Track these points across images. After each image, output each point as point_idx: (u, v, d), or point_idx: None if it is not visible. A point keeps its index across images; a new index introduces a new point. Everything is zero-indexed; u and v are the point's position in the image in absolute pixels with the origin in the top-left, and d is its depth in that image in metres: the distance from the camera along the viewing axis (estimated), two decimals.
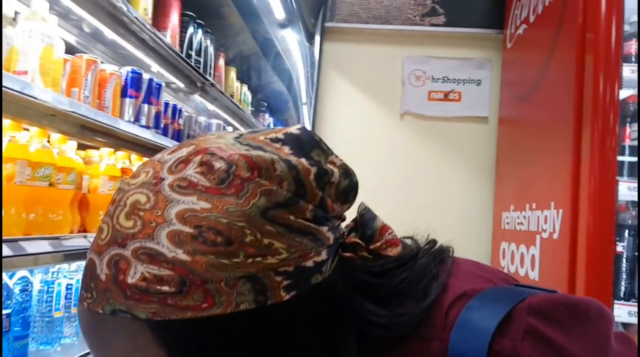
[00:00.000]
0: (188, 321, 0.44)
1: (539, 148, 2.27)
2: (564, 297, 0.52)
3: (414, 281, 0.54)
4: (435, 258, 0.57)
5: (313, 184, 0.49)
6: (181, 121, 2.55)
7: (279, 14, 2.65)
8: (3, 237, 1.27)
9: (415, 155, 2.81)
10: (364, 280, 0.53)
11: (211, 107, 3.12)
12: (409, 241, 0.60)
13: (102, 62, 1.81)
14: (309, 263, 0.47)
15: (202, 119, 2.97)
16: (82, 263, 1.86)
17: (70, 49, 1.73)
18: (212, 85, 2.72)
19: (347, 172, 0.53)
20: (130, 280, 0.44)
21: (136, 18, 1.78)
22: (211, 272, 0.44)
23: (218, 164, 0.46)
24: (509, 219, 2.51)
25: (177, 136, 2.46)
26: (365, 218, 0.57)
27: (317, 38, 2.74)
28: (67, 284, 1.75)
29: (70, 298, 1.76)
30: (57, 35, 1.50)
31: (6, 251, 1.24)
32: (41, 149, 1.39)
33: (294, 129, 0.52)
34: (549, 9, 2.25)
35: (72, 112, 1.42)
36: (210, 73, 2.82)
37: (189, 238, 0.44)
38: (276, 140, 0.50)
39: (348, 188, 0.53)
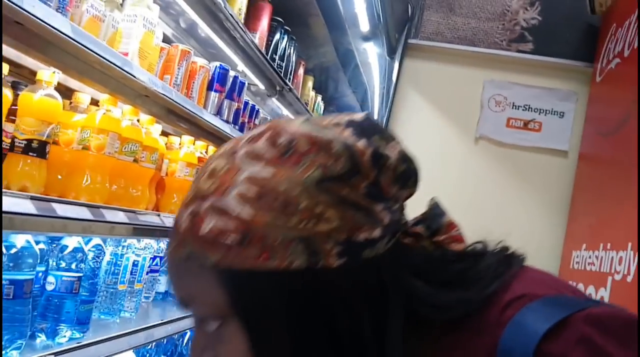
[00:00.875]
0: (247, 270, 0.50)
1: (619, 187, 2.16)
2: (632, 315, 0.49)
3: (473, 276, 0.55)
4: (502, 261, 0.57)
5: (368, 163, 0.53)
6: (257, 122, 2.62)
7: (364, 26, 2.68)
8: (86, 202, 1.35)
9: (487, 181, 2.74)
10: (420, 264, 0.55)
11: (285, 112, 3.19)
12: (479, 245, 0.60)
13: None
14: (361, 237, 0.51)
15: None
16: (151, 241, 1.94)
17: (165, 42, 1.82)
18: (290, 90, 2.78)
19: (405, 158, 0.56)
20: (203, 231, 0.51)
21: (231, 15, 1.87)
22: (269, 230, 0.49)
23: (282, 139, 0.53)
24: (579, 258, 2.39)
25: None
26: (434, 212, 0.59)
27: (399, 54, 2.75)
28: (134, 261, 1.82)
29: (135, 274, 1.83)
30: (157, 23, 1.59)
31: (87, 215, 1.32)
32: (131, 126, 1.47)
33: (357, 117, 0.57)
34: None
35: (164, 95, 1.50)
36: (289, 79, 2.89)
37: (252, 199, 0.50)
38: (339, 124, 0.56)
39: (406, 172, 0.56)
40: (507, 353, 0.48)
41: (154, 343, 1.94)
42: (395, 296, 0.52)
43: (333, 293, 0.51)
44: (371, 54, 3.01)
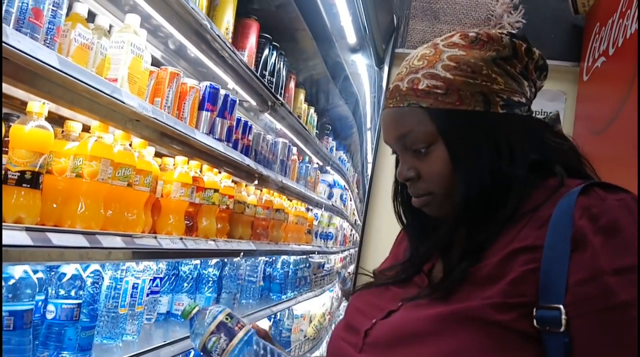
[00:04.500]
0: (448, 110, 0.80)
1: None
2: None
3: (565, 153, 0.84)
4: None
5: (523, 53, 0.83)
6: (250, 137, 2.64)
7: (351, 38, 2.71)
8: (82, 230, 1.36)
9: None
10: (542, 135, 0.84)
11: (279, 126, 3.21)
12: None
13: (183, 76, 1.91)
14: (515, 99, 0.82)
15: (269, 137, 3.06)
16: (150, 263, 1.95)
17: (155, 64, 1.84)
18: (282, 104, 2.80)
19: (543, 57, 0.86)
20: (420, 87, 0.81)
21: (218, 36, 1.89)
22: (462, 86, 0.80)
23: (471, 34, 0.84)
24: None
25: (246, 151, 2.54)
26: (553, 116, 0.90)
27: (387, 63, 2.77)
28: (134, 283, 1.83)
29: (135, 297, 1.84)
30: (145, 48, 1.61)
31: (83, 242, 1.33)
32: (124, 151, 1.48)
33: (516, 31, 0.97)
34: (629, 41, 2.17)
35: (155, 118, 1.52)
36: (281, 93, 2.91)
37: (453, 68, 0.81)
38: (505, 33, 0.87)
39: (544, 66, 0.87)
40: (563, 201, 0.75)
41: None
42: (528, 143, 0.82)
43: (498, 130, 0.80)
44: (360, 64, 3.03)
